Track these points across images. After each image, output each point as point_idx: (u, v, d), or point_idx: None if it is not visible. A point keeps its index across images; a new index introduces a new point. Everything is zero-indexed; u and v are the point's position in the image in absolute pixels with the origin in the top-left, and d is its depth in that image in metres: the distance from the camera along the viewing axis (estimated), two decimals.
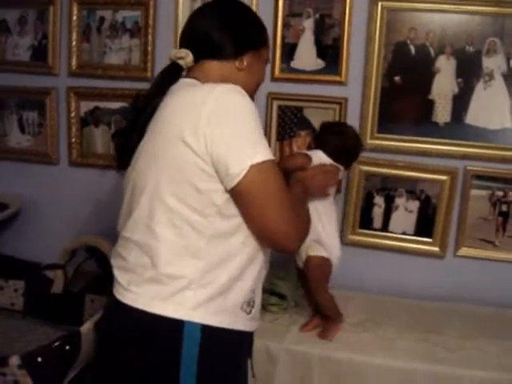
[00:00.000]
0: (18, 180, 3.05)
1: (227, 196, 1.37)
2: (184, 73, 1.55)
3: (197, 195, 1.36)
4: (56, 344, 1.94)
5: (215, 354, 1.42)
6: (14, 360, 1.83)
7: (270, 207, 1.38)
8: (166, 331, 1.38)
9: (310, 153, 2.00)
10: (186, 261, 1.39)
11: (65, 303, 2.70)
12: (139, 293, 1.41)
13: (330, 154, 2.02)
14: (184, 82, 1.50)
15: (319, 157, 2.00)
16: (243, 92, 1.39)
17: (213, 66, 1.52)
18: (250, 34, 1.58)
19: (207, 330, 1.39)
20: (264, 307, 2.25)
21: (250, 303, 1.48)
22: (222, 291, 1.41)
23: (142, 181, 1.43)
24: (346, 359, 1.98)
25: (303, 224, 1.54)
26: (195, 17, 1.59)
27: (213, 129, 1.32)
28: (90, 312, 2.53)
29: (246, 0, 2.51)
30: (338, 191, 2.49)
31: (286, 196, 1.41)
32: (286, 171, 1.79)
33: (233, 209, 1.39)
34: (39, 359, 1.87)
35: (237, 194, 1.36)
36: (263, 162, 1.34)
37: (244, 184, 1.33)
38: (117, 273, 1.50)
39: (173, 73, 1.53)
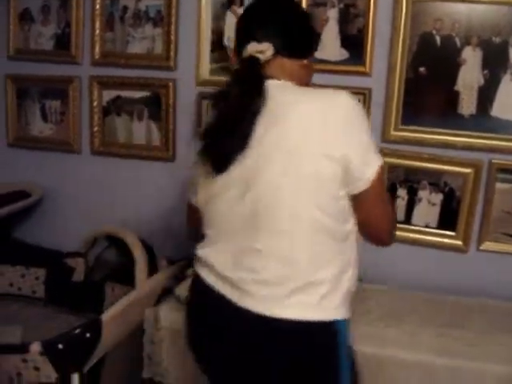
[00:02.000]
0: (39, 168, 3.07)
1: (348, 200, 1.45)
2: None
3: (334, 203, 1.42)
4: (77, 331, 1.96)
5: (348, 345, 1.51)
6: (35, 347, 1.86)
7: (384, 206, 1.53)
8: (322, 334, 1.45)
9: None
10: (325, 267, 1.44)
11: (85, 291, 2.73)
12: (290, 304, 1.42)
13: None
14: (287, 85, 1.49)
15: None
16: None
17: (285, 62, 1.52)
18: (317, 34, 1.66)
19: (346, 324, 1.49)
20: None
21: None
22: (349, 287, 1.50)
23: (271, 196, 1.42)
24: (369, 353, 1.96)
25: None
26: (273, 10, 1.55)
27: (348, 137, 1.39)
28: (111, 300, 2.55)
29: None
30: None
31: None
32: None
33: (350, 211, 1.47)
34: (60, 346, 1.89)
35: (364, 196, 1.44)
36: (381, 165, 1.44)
37: (373, 186, 1.42)
38: (250, 287, 1.45)
39: (253, 68, 1.48)
